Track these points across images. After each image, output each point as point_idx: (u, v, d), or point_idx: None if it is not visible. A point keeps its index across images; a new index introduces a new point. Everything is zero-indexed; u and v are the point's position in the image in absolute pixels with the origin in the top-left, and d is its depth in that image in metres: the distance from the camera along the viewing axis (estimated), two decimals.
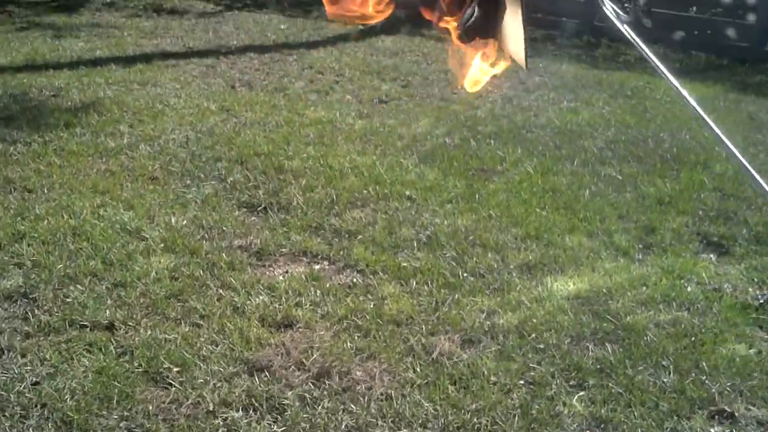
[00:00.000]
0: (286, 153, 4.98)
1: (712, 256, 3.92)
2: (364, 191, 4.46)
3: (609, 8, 1.64)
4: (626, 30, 1.61)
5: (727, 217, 4.33)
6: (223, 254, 3.61)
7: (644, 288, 3.51)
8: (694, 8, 9.19)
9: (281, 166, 4.76)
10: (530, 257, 3.76)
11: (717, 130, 1.71)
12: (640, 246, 3.95)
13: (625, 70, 7.84)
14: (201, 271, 3.45)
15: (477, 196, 4.45)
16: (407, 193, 4.47)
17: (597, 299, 3.40)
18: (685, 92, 1.70)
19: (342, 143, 5.27)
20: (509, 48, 1.73)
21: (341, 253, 3.75)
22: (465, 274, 3.58)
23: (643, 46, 1.64)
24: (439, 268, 3.62)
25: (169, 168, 4.59)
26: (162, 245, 3.67)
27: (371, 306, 3.28)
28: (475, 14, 1.63)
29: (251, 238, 3.82)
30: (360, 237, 3.90)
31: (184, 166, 4.62)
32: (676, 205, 4.40)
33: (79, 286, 3.29)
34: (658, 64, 1.69)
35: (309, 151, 5.04)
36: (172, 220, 3.92)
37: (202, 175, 4.53)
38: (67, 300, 3.20)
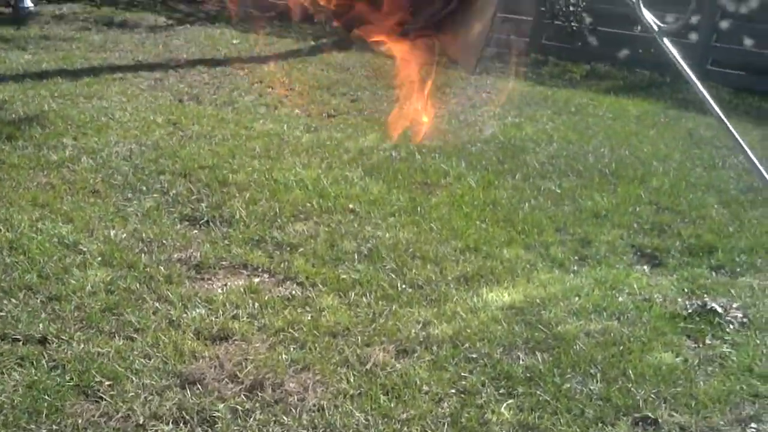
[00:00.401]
0: (231, 166, 4.99)
1: (645, 267, 4.03)
2: (308, 204, 4.49)
3: (649, 20, 1.58)
4: (667, 47, 1.53)
5: (661, 229, 4.45)
6: (162, 267, 3.61)
7: (577, 298, 3.60)
8: (639, 27, 9.39)
9: (225, 179, 4.77)
10: (468, 269, 3.83)
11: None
12: (576, 258, 4.04)
13: (571, 87, 8.01)
14: (138, 285, 3.44)
15: (419, 209, 4.51)
16: (351, 206, 4.51)
17: (530, 309, 3.47)
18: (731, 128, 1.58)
19: (288, 156, 5.30)
20: (460, 48, 1.66)
21: (282, 265, 3.77)
22: (403, 286, 3.63)
23: (684, 65, 1.57)
24: (378, 279, 3.66)
25: (110, 181, 4.57)
26: (99, 258, 3.65)
27: (309, 318, 3.31)
28: (450, 7, 1.58)
29: (191, 251, 3.83)
30: (301, 250, 3.93)
31: (126, 180, 4.61)
32: (612, 219, 4.51)
33: (13, 300, 3.26)
34: (702, 90, 1.61)
35: (254, 165, 5.06)
36: (111, 234, 3.90)
37: (144, 188, 4.52)
38: (1, 313, 3.17)
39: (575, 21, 8.94)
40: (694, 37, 8.85)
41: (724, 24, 8.72)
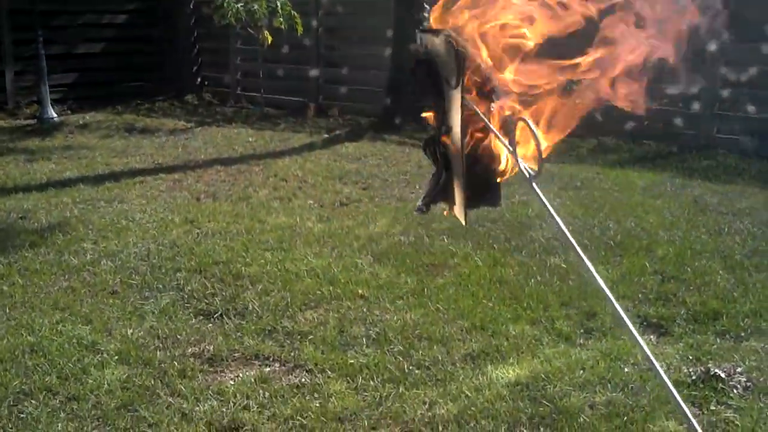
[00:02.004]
0: (245, 260, 5.16)
1: (651, 337, 4.07)
2: (318, 292, 4.62)
3: (522, 167, 1.81)
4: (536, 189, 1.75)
5: (666, 298, 4.50)
6: (176, 362, 3.74)
7: (582, 371, 3.65)
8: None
9: (239, 272, 4.93)
10: (474, 347, 3.91)
11: None
12: (581, 331, 4.11)
13: (578, 162, 8.16)
14: (152, 381, 3.57)
15: (427, 290, 4.62)
16: (360, 291, 4.63)
17: (535, 385, 3.53)
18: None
19: (300, 247, 5.46)
20: (454, 207, 2.00)
21: (292, 354, 3.88)
22: (410, 368, 3.71)
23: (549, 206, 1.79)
24: (385, 362, 3.75)
25: (129, 281, 4.75)
26: (117, 357, 3.79)
27: (317, 404, 3.40)
28: (441, 180, 1.93)
29: (205, 344, 3.96)
30: (311, 337, 4.05)
31: (143, 279, 4.79)
32: (618, 290, 4.58)
33: (33, 402, 3.39)
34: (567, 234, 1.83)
35: (267, 257, 5.23)
36: (129, 332, 4.05)
37: (161, 286, 4.69)
38: (21, 416, 3.30)
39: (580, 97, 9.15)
40: (697, 106, 9.04)
41: (726, 92, 8.89)
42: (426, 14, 10.40)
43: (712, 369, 3.60)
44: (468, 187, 1.83)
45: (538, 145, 1.64)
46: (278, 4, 11.25)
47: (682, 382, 3.56)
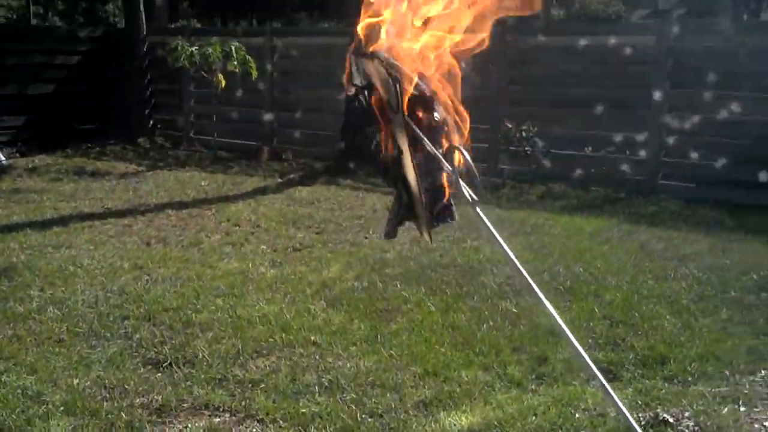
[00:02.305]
0: (195, 306, 5.10)
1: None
2: (270, 339, 4.58)
3: (466, 193, 1.90)
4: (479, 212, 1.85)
5: (615, 343, 4.57)
6: (123, 413, 3.65)
7: (534, 417, 3.67)
8: (589, 147, 9.85)
9: (189, 319, 4.87)
10: (427, 394, 3.90)
11: None
12: (533, 376, 4.14)
13: (527, 208, 8.30)
14: None
15: (380, 337, 4.62)
16: (313, 338, 4.61)
17: None
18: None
19: (252, 293, 5.42)
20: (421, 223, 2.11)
21: (243, 403, 3.82)
22: (363, 416, 3.69)
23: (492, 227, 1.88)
24: (338, 411, 3.72)
25: (75, 329, 4.66)
26: (62, 408, 3.69)
27: None
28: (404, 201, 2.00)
29: (153, 395, 3.88)
30: (263, 385, 4.00)
31: (91, 327, 4.70)
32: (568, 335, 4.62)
33: None
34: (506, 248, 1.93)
35: (218, 303, 5.17)
36: (75, 382, 3.96)
37: (109, 335, 4.60)
38: None
39: (529, 146, 9.35)
40: (643, 153, 9.29)
41: (670, 139, 9.17)
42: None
43: (660, 414, 3.65)
44: (426, 206, 1.93)
45: (474, 173, 1.74)
46: (232, 47, 11.33)
47: (631, 427, 3.59)
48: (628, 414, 1.87)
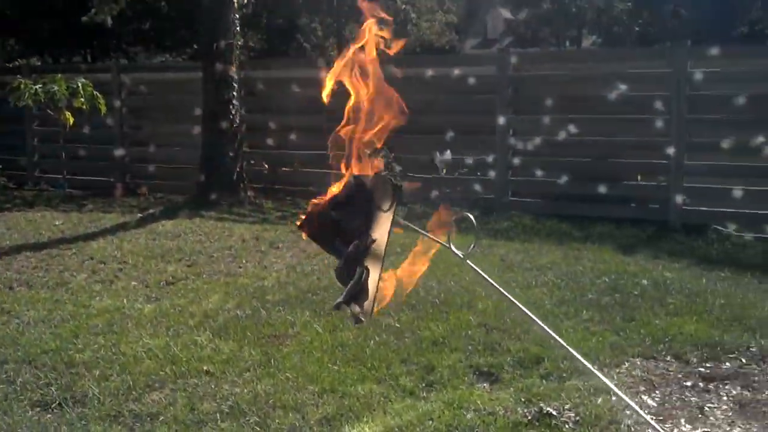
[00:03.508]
0: (76, 346, 4.97)
1: (485, 384, 4.42)
2: (161, 372, 4.55)
3: (455, 250, 2.22)
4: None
5: (493, 348, 4.90)
6: None
7: (430, 421, 3.90)
8: (444, 170, 10.38)
9: (72, 359, 4.74)
10: (328, 410, 4.04)
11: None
12: (423, 384, 4.38)
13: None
14: None
15: (272, 361, 4.71)
16: (205, 368, 4.62)
17: None
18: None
19: (133, 329, 5.34)
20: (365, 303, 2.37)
21: None
22: None
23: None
24: None
25: None
26: None
27: None
28: (360, 281, 2.28)
29: None
30: (162, 418, 3.99)
31: None
32: (449, 344, 4.93)
33: None
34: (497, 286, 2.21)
35: (99, 341, 5.07)
36: None
37: None
38: None
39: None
40: (492, 173, 9.91)
41: (516, 160, 9.84)
42: (233, 94, 10.64)
43: (544, 408, 3.99)
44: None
45: (475, 238, 2.06)
46: (79, 84, 10.99)
47: (520, 422, 3.90)
48: (627, 398, 2.15)
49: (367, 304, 2.28)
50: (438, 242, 2.24)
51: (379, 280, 2.23)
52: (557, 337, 2.12)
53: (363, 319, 2.28)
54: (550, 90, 9.69)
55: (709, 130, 8.88)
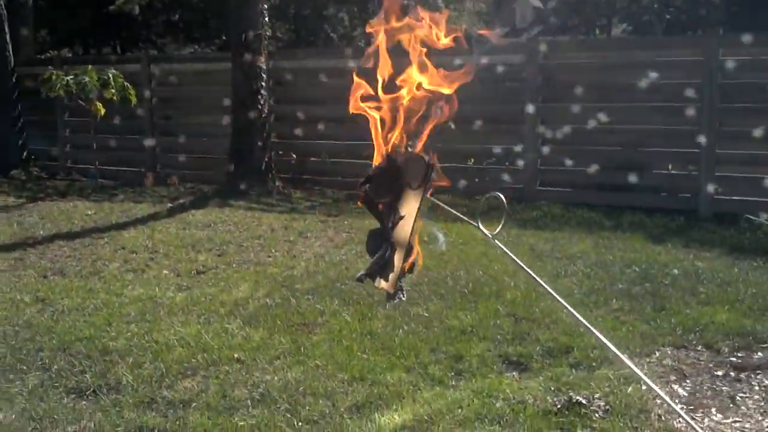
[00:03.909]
0: (110, 334, 5.05)
1: (514, 373, 4.42)
2: (193, 360, 4.61)
3: (483, 230, 2.24)
4: None
5: (522, 337, 4.90)
6: None
7: (460, 410, 3.91)
8: (472, 160, 10.37)
9: (106, 347, 4.82)
10: (358, 398, 4.07)
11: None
12: (452, 373, 4.39)
13: (421, 218, 8.61)
14: None
15: (302, 348, 4.75)
16: (236, 355, 4.68)
17: (420, 427, 3.75)
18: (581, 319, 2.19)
19: (165, 317, 5.41)
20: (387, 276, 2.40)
21: (177, 423, 3.86)
22: (300, 423, 3.81)
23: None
24: (274, 421, 3.83)
25: None
26: None
27: None
28: (385, 256, 2.30)
29: (84, 422, 3.85)
30: (194, 404, 4.04)
31: (4, 361, 4.57)
32: (478, 333, 4.93)
33: None
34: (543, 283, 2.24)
35: (132, 329, 5.14)
36: (0, 416, 3.87)
37: (25, 367, 4.50)
38: None
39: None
40: (521, 162, 9.86)
41: (545, 149, 9.78)
42: (262, 83, 10.69)
43: (573, 397, 3.98)
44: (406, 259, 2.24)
45: (503, 220, 2.08)
46: (110, 75, 11.12)
47: (549, 410, 3.90)
48: (656, 387, 2.17)
49: (392, 277, 2.31)
50: (467, 221, 2.25)
51: (404, 256, 2.26)
52: (583, 320, 2.13)
53: (398, 294, 2.30)
54: (580, 78, 9.61)
55: (741, 118, 8.76)
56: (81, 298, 5.85)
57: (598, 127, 9.39)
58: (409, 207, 2.13)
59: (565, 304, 2.14)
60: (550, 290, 2.16)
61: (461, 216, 2.29)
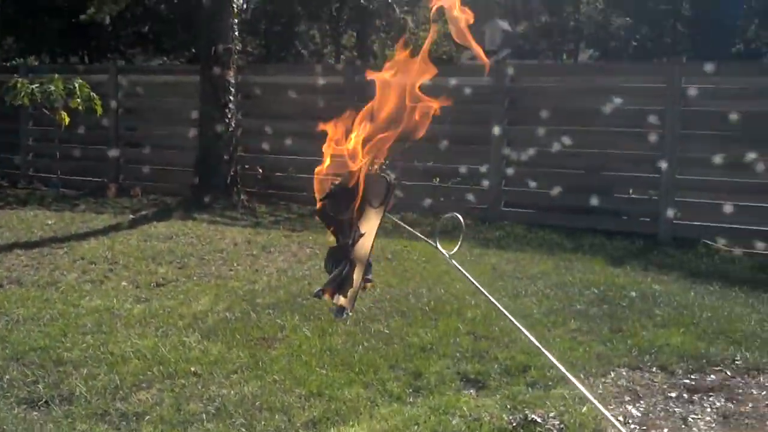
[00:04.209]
0: (65, 345, 4.97)
1: (471, 391, 4.44)
2: (149, 372, 4.56)
3: (441, 249, 2.27)
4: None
5: (480, 356, 4.93)
6: None
7: (416, 426, 3.92)
8: (438, 179, 10.45)
9: (60, 358, 4.75)
10: (315, 413, 4.06)
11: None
12: (410, 390, 4.39)
13: (384, 236, 8.65)
14: None
15: (261, 363, 4.72)
16: (192, 369, 4.63)
17: None
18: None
19: (122, 329, 5.35)
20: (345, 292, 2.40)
21: None
22: None
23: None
24: None
25: None
26: None
27: None
28: (344, 272, 2.30)
29: None
30: (148, 417, 3.99)
31: None
32: (438, 351, 4.95)
33: None
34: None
35: (88, 340, 5.07)
36: None
37: None
38: None
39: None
40: (486, 183, 9.94)
41: (510, 170, 9.88)
42: (230, 98, 10.67)
43: (529, 415, 4.01)
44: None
45: (461, 238, 2.11)
46: (76, 85, 11.02)
47: (505, 428, 3.93)
48: (600, 406, 2.19)
49: (351, 293, 2.32)
50: (425, 240, 2.27)
51: (362, 274, 2.26)
52: (533, 339, 2.17)
53: (346, 310, 2.29)
54: (546, 102, 9.74)
55: (702, 145, 8.95)
56: (37, 308, 5.76)
57: (562, 150, 9.52)
58: (370, 225, 2.15)
59: (518, 324, 2.18)
60: (503, 310, 2.20)
61: (420, 235, 2.32)
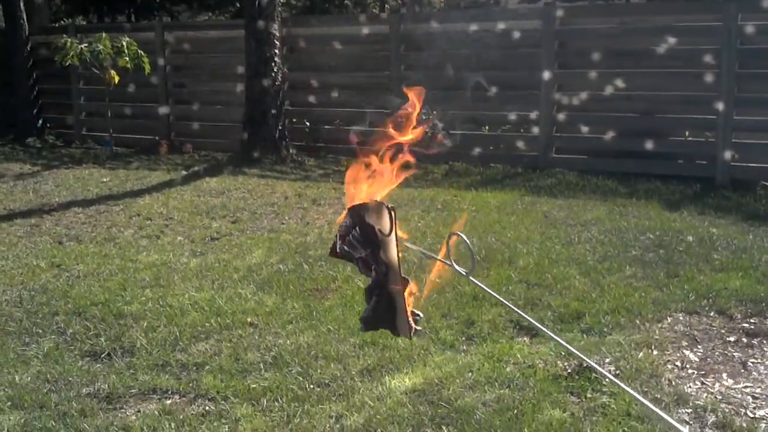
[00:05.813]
0: (124, 299, 5.10)
1: (525, 338, 4.43)
2: (207, 324, 4.66)
3: (457, 268, 2.18)
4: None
5: (533, 303, 4.90)
6: (74, 403, 3.67)
7: (470, 374, 3.93)
8: (487, 127, 10.31)
9: (120, 311, 4.87)
10: (369, 361, 4.10)
11: None
12: (463, 338, 4.41)
13: (435, 186, 8.62)
14: (53, 422, 3.49)
15: (315, 313, 4.78)
16: (249, 320, 4.72)
17: (431, 390, 3.77)
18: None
19: (179, 282, 5.46)
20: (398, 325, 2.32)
21: (191, 385, 3.91)
22: (311, 386, 3.85)
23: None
24: (286, 384, 3.87)
25: (5, 328, 4.58)
26: (9, 403, 3.67)
27: (226, 429, 3.46)
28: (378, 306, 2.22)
29: (98, 384, 3.90)
30: (207, 367, 4.09)
31: (20, 325, 4.64)
32: (490, 299, 4.93)
33: None
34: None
35: (147, 294, 5.19)
36: (16, 378, 3.93)
37: (41, 331, 4.56)
38: None
39: (429, 127, 9.67)
40: (536, 130, 9.78)
41: (561, 116, 9.69)
42: (276, 51, 10.64)
43: (583, 362, 3.99)
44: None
45: (472, 255, 2.04)
46: (124, 43, 11.12)
47: (560, 375, 3.92)
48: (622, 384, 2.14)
49: (410, 317, 2.26)
50: (440, 260, 2.20)
51: (405, 298, 2.22)
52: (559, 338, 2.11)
53: (416, 329, 2.22)
54: (597, 44, 9.49)
55: (760, 84, 8.64)
56: (96, 264, 5.91)
57: (614, 94, 9.30)
58: (390, 252, 2.09)
59: (540, 324, 2.12)
60: (523, 314, 2.12)
61: (435, 257, 2.25)
